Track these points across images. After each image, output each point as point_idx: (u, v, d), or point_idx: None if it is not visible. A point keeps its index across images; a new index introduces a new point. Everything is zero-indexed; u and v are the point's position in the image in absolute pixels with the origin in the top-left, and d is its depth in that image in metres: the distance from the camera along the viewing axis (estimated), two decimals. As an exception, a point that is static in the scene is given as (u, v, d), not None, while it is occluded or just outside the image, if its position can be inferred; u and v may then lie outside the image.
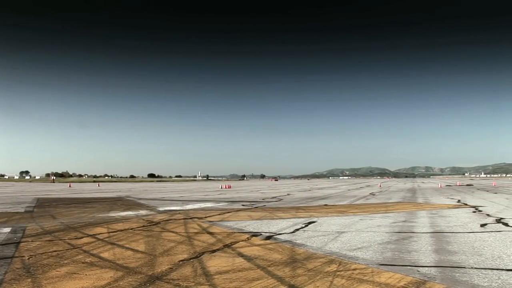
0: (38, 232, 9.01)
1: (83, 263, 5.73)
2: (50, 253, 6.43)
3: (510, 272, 4.90)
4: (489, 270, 5.03)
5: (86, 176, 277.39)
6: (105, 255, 6.32)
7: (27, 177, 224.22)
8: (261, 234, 8.33)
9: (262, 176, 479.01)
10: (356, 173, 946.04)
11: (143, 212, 14.21)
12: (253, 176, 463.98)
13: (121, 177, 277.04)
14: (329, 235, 8.19)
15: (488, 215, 11.69)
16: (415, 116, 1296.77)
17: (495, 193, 26.18)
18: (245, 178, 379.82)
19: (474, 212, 12.75)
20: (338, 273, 4.96)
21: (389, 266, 5.34)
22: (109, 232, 8.82)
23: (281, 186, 57.67)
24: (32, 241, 7.71)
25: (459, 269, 5.14)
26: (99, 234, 8.58)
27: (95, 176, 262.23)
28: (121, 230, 9.12)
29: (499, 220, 10.23)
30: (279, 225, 9.77)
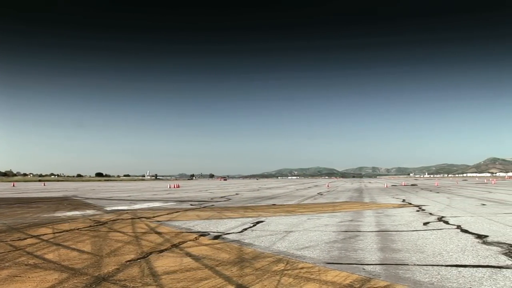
0: (-23, 233, 8.58)
1: (26, 265, 5.49)
2: (-11, 256, 6.13)
3: (449, 268, 5.12)
4: (430, 267, 5.22)
5: (31, 175, 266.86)
6: (49, 256, 6.09)
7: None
8: (209, 234, 8.28)
9: (211, 176, 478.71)
10: (304, 173, 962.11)
11: (90, 212, 13.83)
12: (202, 176, 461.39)
13: (67, 176, 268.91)
14: (277, 234, 8.25)
15: (430, 213, 12.14)
16: (361, 118, 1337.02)
17: (438, 192, 27.29)
18: (194, 177, 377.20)
19: (418, 211, 13.21)
20: (285, 272, 5.00)
21: (336, 265, 5.43)
22: (54, 233, 8.51)
23: (230, 185, 57.65)
24: (-31, 243, 7.32)
25: (402, 266, 5.31)
26: (43, 234, 8.27)
27: (40, 175, 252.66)
28: (67, 231, 8.83)
29: (440, 219, 10.65)
30: (227, 225, 9.76)
